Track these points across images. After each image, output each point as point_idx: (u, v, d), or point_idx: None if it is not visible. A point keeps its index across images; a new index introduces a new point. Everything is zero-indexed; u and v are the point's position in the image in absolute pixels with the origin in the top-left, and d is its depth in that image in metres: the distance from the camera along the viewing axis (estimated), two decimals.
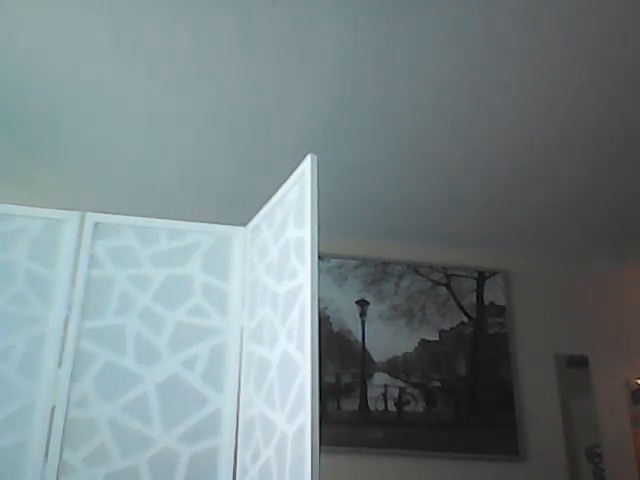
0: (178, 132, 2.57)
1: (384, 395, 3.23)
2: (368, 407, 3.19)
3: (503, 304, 3.53)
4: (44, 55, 2.13)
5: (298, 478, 1.34)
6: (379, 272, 3.48)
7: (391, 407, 3.21)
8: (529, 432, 3.28)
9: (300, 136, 2.58)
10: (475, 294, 3.52)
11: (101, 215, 1.93)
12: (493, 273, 3.59)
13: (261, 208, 2.15)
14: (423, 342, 3.38)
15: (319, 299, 1.44)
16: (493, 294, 3.54)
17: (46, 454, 1.66)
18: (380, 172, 2.85)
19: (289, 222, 1.67)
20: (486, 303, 3.51)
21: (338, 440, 3.10)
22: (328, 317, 3.34)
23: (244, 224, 2.11)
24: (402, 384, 3.26)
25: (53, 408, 1.71)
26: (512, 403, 3.31)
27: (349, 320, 3.36)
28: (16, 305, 1.78)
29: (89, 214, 1.92)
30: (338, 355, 3.27)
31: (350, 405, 3.18)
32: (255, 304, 1.86)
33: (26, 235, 1.86)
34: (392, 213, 3.25)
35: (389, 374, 3.27)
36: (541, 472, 3.22)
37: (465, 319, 3.46)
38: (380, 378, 3.26)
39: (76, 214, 1.90)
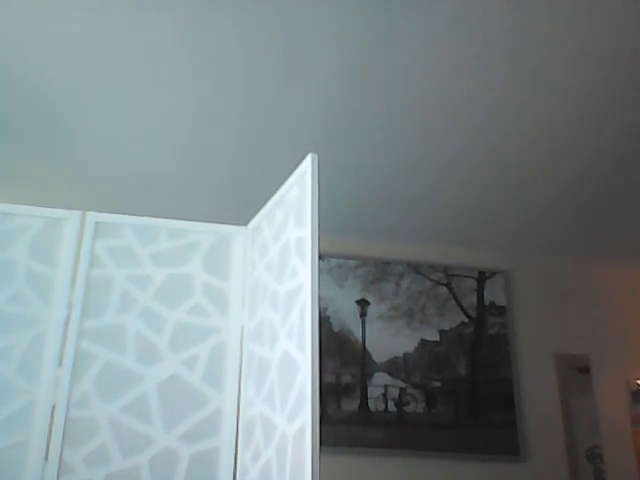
0: (178, 131, 2.57)
1: (384, 395, 3.23)
2: (368, 407, 3.19)
3: (503, 304, 3.52)
4: (44, 55, 2.13)
5: (298, 478, 1.34)
6: (379, 272, 3.48)
7: (391, 407, 3.21)
8: (529, 432, 3.28)
9: (300, 135, 2.58)
10: (475, 294, 3.52)
11: (102, 214, 1.93)
12: (493, 273, 3.58)
13: (261, 208, 2.14)
14: (423, 342, 3.37)
15: (319, 299, 1.44)
16: (493, 294, 3.54)
17: (46, 454, 1.66)
18: (380, 172, 2.85)
19: (289, 222, 1.67)
20: (486, 303, 3.51)
21: (338, 440, 3.10)
22: (328, 317, 3.34)
23: (244, 224, 2.11)
24: (402, 384, 3.26)
25: (53, 408, 1.71)
26: (512, 403, 3.31)
27: (349, 320, 3.35)
28: (16, 304, 1.78)
29: (90, 213, 1.92)
30: (338, 355, 3.27)
31: (350, 405, 3.18)
32: (255, 304, 1.86)
33: (26, 234, 1.85)
34: (392, 213, 3.25)
35: (389, 374, 3.27)
36: (541, 472, 3.22)
37: (465, 319, 3.46)
38: (380, 378, 3.26)
39: (77, 213, 1.90)
